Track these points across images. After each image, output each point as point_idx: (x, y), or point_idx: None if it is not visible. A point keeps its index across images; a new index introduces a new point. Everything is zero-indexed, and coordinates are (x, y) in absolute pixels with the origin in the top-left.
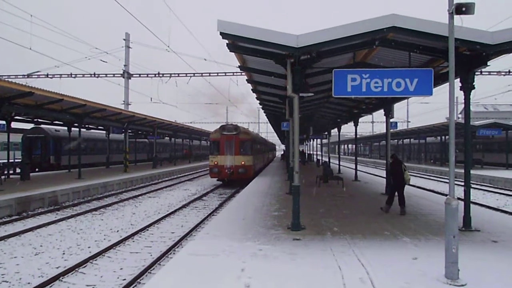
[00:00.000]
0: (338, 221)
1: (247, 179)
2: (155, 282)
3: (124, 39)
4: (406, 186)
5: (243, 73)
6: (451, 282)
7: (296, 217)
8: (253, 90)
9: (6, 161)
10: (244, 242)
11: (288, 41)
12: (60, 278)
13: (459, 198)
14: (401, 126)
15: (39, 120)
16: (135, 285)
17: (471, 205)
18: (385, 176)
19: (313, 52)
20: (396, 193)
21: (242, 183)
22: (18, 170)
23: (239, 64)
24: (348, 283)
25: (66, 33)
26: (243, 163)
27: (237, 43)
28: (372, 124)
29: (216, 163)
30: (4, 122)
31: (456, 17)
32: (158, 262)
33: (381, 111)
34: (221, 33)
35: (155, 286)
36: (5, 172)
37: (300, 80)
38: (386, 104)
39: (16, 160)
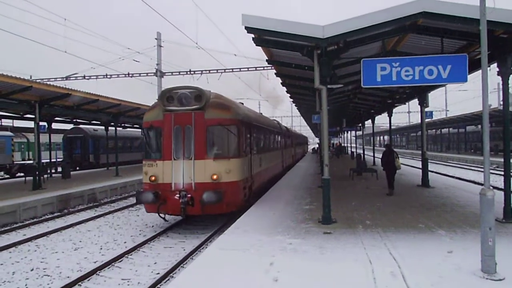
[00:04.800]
0: (371, 214)
1: (228, 213)
2: (185, 276)
3: (155, 39)
4: (447, 178)
5: (272, 67)
6: (488, 276)
7: (326, 210)
8: (283, 84)
9: (48, 160)
10: (274, 236)
11: (314, 32)
12: (97, 273)
13: (499, 188)
14: (439, 115)
15: (78, 120)
16: (168, 279)
17: None
18: (421, 167)
19: (340, 42)
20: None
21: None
22: (59, 169)
23: (267, 58)
24: (379, 277)
25: (99, 35)
26: (215, 177)
27: (263, 37)
28: (408, 114)
29: (153, 179)
30: (45, 124)
31: None
32: (191, 257)
33: (416, 101)
34: (246, 28)
35: (185, 279)
36: (48, 171)
37: (328, 72)
38: (420, 93)
39: (58, 160)
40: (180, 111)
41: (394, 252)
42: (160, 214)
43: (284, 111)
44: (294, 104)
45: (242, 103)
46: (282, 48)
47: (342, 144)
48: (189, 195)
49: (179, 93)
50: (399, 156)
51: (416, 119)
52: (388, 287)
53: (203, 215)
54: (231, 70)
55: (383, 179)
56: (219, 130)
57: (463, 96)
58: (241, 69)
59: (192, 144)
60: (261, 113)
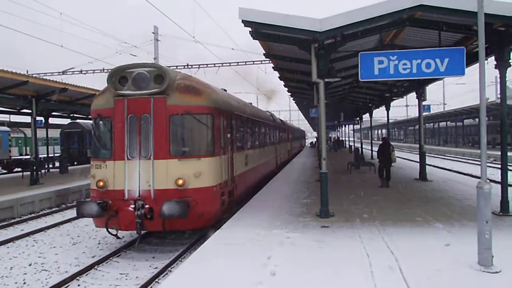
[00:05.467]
0: (368, 208)
1: (198, 227)
2: (182, 270)
3: (152, 32)
4: (445, 172)
5: (270, 61)
6: (485, 269)
7: (324, 204)
8: (280, 78)
9: (46, 155)
10: (272, 230)
11: (311, 26)
12: (96, 267)
13: (496, 182)
14: (437, 109)
15: (75, 115)
16: (166, 273)
17: (510, 188)
18: (419, 161)
19: (338, 35)
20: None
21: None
22: (57, 164)
23: (264, 52)
24: (376, 270)
25: (95, 29)
26: (181, 182)
27: (260, 30)
28: (406, 108)
29: (101, 184)
30: (42, 118)
31: None
32: (189, 251)
33: (414, 94)
34: (243, 21)
35: (182, 273)
36: (45, 166)
37: (325, 65)
38: (418, 86)
39: (55, 155)
40: (136, 96)
41: (391, 245)
42: (111, 230)
43: (282, 105)
44: (292, 98)
45: (225, 90)
46: (280, 42)
47: (340, 138)
48: (147, 206)
49: (134, 72)
50: (394, 149)
51: (414, 112)
52: (386, 280)
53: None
54: (228, 64)
55: None
56: (187, 121)
57: (461, 90)
58: (239, 63)
59: (150, 139)
60: (251, 103)
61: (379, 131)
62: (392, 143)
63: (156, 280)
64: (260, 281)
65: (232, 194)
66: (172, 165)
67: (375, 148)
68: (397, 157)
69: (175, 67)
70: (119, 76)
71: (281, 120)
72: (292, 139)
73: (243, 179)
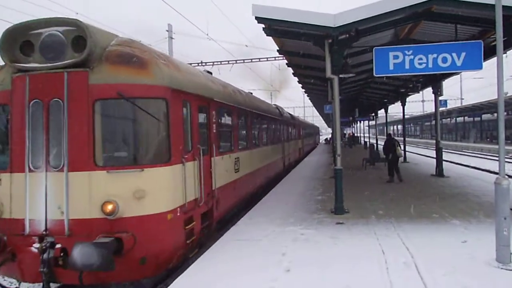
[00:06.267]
0: (384, 204)
1: (144, 277)
2: (197, 266)
3: (167, 30)
4: (462, 168)
5: (284, 58)
6: (502, 266)
7: (339, 200)
8: (294, 74)
9: None
10: (286, 226)
11: (325, 21)
12: None
13: None
14: (454, 104)
15: None
16: (173, 274)
17: None
18: (435, 156)
19: (352, 31)
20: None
21: None
22: None
23: (278, 48)
24: (392, 267)
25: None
26: (110, 209)
27: (273, 27)
28: (422, 103)
29: None
30: None
31: None
32: (204, 246)
33: (431, 89)
34: (256, 18)
35: (197, 269)
36: None
37: (339, 61)
38: (434, 81)
39: None
40: (43, 70)
41: (407, 242)
42: (9, 281)
43: (296, 102)
44: (306, 95)
45: (210, 72)
46: (293, 38)
47: (355, 134)
48: (58, 246)
49: (43, 34)
50: (400, 144)
51: (430, 108)
52: (401, 277)
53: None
54: (242, 61)
55: None
56: (123, 109)
57: (478, 84)
58: (252, 60)
59: (64, 138)
60: (251, 93)
61: (395, 127)
62: (408, 138)
63: (171, 276)
64: (275, 278)
65: (209, 216)
66: (97, 180)
67: None
68: (414, 153)
69: (189, 65)
70: (21, 41)
71: (290, 115)
72: (304, 136)
73: (230, 191)
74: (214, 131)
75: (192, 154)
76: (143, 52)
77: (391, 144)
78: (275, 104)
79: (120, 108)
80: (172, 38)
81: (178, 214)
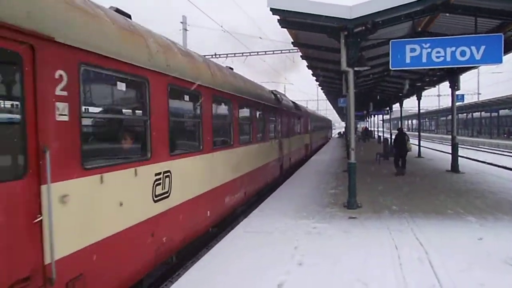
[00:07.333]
0: (397, 199)
1: None
2: (209, 257)
3: (181, 22)
4: (478, 164)
5: (298, 50)
6: None
7: (352, 195)
8: (308, 67)
9: None
10: (299, 220)
11: (341, 13)
12: None
13: None
14: (470, 99)
15: None
16: (192, 260)
17: None
18: (451, 152)
19: (368, 23)
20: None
21: None
22: None
23: (292, 41)
24: (405, 262)
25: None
26: None
27: (288, 19)
28: (438, 97)
29: None
30: None
31: None
32: (215, 238)
33: (447, 84)
34: (271, 9)
35: (209, 260)
36: None
37: (355, 54)
38: (452, 75)
39: None
40: None
41: (421, 237)
42: None
43: (310, 95)
44: (320, 88)
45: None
46: (308, 30)
47: (369, 128)
48: None
49: None
50: (410, 139)
51: (446, 102)
52: (415, 272)
53: None
54: (256, 53)
55: (410, 164)
56: None
57: (496, 79)
58: (267, 52)
59: None
60: (257, 83)
61: (410, 121)
62: (423, 134)
63: (186, 265)
64: (287, 271)
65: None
66: None
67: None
68: (429, 148)
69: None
70: None
71: (294, 104)
72: (312, 130)
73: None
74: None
75: None
76: None
77: (401, 138)
78: (275, 91)
79: None
80: (186, 30)
81: None
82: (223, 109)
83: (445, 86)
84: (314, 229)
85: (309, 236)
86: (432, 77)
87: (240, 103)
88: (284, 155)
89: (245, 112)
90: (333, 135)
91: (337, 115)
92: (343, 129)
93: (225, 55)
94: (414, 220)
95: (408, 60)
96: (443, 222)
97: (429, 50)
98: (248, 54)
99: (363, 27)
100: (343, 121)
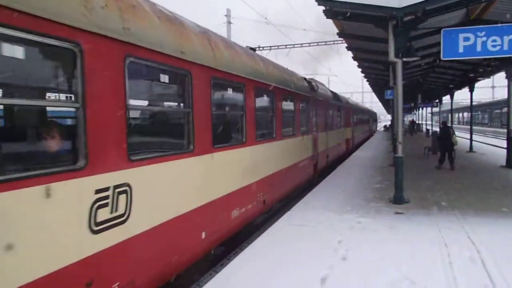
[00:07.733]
0: (447, 195)
1: None
2: (253, 250)
3: (225, 15)
4: None
5: (343, 41)
6: None
7: (399, 189)
8: (354, 58)
9: None
10: (342, 214)
11: (389, 2)
12: None
13: None
14: None
15: None
16: (236, 251)
17: None
18: (506, 147)
19: (418, 11)
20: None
21: None
22: None
23: (338, 31)
24: (456, 262)
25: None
26: None
27: (333, 9)
28: (492, 89)
29: None
30: None
31: None
32: (258, 230)
33: (502, 74)
34: (316, 0)
35: (253, 252)
36: None
37: (404, 44)
38: (508, 65)
39: None
40: None
41: (473, 236)
42: None
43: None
44: (366, 79)
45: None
46: (354, 20)
47: (417, 122)
48: None
49: None
50: (455, 132)
51: (501, 94)
52: (466, 272)
53: None
54: (300, 45)
55: (461, 158)
56: None
57: None
58: (311, 44)
59: None
60: (253, 49)
61: (460, 114)
62: (475, 127)
63: (228, 256)
64: (331, 265)
65: None
66: None
67: (456, 132)
68: (481, 142)
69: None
70: None
71: (333, 94)
72: (355, 123)
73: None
74: None
75: None
76: None
77: (446, 132)
78: (312, 79)
79: None
80: (230, 23)
81: None
82: (231, 98)
83: (500, 77)
84: (359, 224)
85: (353, 230)
86: (486, 67)
87: (256, 90)
88: (320, 152)
89: (263, 102)
90: (378, 129)
91: (382, 108)
92: (389, 122)
93: (269, 48)
94: (465, 218)
95: (461, 50)
96: (497, 220)
97: (485, 38)
98: (292, 46)
99: (413, 16)
100: (389, 113)
